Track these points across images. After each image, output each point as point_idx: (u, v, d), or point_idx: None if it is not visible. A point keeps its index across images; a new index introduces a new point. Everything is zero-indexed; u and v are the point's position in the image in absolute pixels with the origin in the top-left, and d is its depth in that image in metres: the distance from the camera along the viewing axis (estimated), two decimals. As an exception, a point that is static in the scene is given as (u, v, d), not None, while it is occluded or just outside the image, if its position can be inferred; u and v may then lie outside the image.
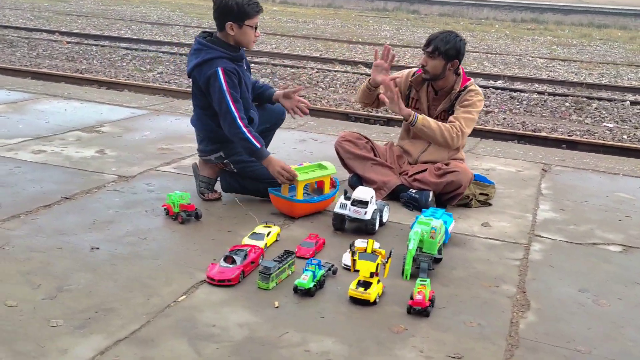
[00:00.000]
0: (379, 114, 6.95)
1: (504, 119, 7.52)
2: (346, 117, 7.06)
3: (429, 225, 2.56)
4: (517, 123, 7.30)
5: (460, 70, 3.43)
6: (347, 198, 2.96)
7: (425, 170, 3.35)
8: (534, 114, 7.98)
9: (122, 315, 2.14)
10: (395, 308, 2.31)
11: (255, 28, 3.17)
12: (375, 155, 3.54)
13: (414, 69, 3.56)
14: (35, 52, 11.69)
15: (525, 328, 2.22)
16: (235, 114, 3.07)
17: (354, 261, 2.37)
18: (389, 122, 6.75)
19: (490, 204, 3.45)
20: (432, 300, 2.29)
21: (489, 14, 23.43)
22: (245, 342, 2.04)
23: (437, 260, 2.65)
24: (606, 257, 2.87)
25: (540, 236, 3.07)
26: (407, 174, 3.44)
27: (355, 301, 2.32)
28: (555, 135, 6.69)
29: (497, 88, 9.23)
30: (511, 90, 9.16)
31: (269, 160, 3.15)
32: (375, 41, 14.77)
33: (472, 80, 3.48)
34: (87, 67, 10.57)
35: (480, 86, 9.18)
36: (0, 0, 20.55)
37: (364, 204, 2.91)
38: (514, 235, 3.06)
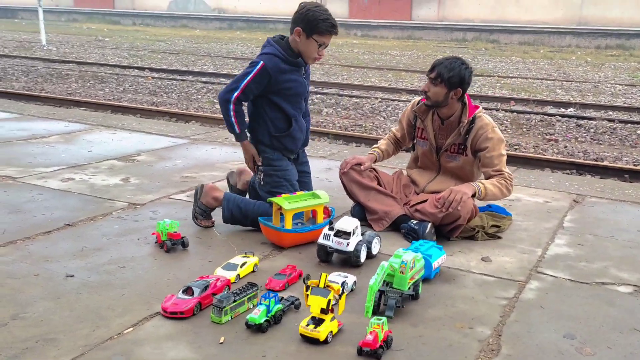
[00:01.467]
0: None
1: (565, 147, 6.98)
2: (398, 145, 6.86)
3: (400, 258, 2.34)
4: (579, 152, 6.74)
5: (466, 100, 3.22)
6: (331, 229, 2.80)
7: (427, 200, 3.13)
8: (601, 142, 7.35)
9: (60, 346, 2.10)
10: (347, 348, 2.11)
11: (321, 46, 3.22)
12: (379, 184, 3.36)
13: (419, 98, 3.41)
14: (122, 87, 12.44)
15: (484, 378, 1.95)
16: (235, 95, 3.18)
17: (306, 296, 2.20)
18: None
19: (499, 237, 3.14)
20: (387, 342, 2.07)
21: (572, 42, 22.30)
22: (170, 380, 1.93)
23: (414, 297, 2.41)
24: (611, 299, 2.50)
25: (542, 273, 2.74)
26: (410, 204, 3.23)
27: (306, 339, 2.15)
28: (618, 164, 6.09)
29: (563, 116, 8.67)
30: (579, 117, 8.56)
31: (244, 145, 3.32)
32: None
33: (480, 108, 3.25)
34: (163, 100, 11.08)
35: (547, 114, 8.71)
36: (103, 42, 22.17)
37: (346, 234, 2.73)
38: (512, 272, 2.74)
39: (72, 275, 2.66)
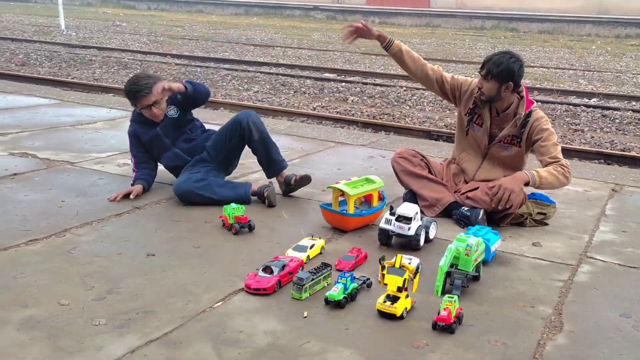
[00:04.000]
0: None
1: (592, 137, 7.11)
2: (428, 134, 7.00)
3: (465, 242, 2.52)
4: (605, 142, 6.86)
5: (523, 93, 3.35)
6: (392, 214, 2.98)
7: (478, 188, 3.29)
8: (626, 132, 7.48)
9: (159, 318, 2.29)
10: (421, 323, 2.30)
11: (146, 108, 3.70)
12: (430, 172, 3.52)
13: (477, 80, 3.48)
14: (146, 74, 12.61)
15: (552, 350, 2.13)
16: (134, 162, 3.88)
17: (382, 275, 2.39)
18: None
19: (546, 224, 3.31)
20: (459, 318, 2.25)
21: (591, 31, 22.23)
22: (267, 349, 2.12)
23: (476, 278, 2.59)
24: (660, 283, 2.67)
25: (592, 258, 2.91)
26: (461, 191, 3.40)
27: (383, 315, 2.33)
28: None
29: (588, 106, 8.77)
30: (604, 108, 8.66)
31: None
32: (469, 59, 14.48)
33: (535, 104, 3.38)
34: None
35: (572, 104, 8.82)
36: (121, 27, 22.30)
37: (407, 219, 2.91)
38: (563, 256, 2.92)
39: (153, 255, 2.85)
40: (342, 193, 3.19)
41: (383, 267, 2.39)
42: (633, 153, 6.27)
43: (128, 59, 14.54)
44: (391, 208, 3.02)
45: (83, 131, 5.35)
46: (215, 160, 3.77)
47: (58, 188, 3.74)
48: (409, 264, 2.60)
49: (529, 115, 3.35)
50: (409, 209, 2.93)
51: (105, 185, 3.86)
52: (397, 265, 2.36)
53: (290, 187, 3.74)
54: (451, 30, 23.68)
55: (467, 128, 3.57)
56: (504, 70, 3.26)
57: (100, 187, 3.82)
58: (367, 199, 3.37)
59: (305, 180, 3.72)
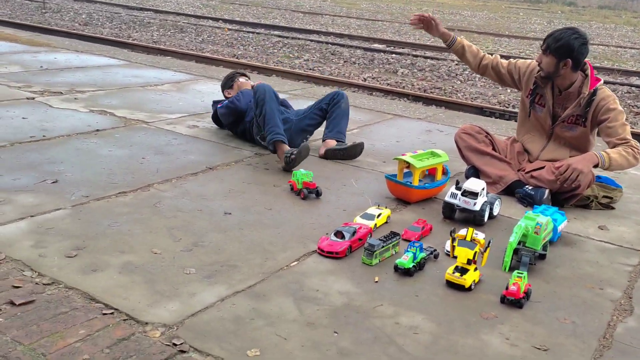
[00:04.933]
0: (515, 110, 6.83)
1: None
2: (480, 111, 7.02)
3: (535, 220, 2.62)
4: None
5: (589, 71, 3.35)
6: (458, 188, 3.09)
7: (544, 167, 3.36)
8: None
9: (242, 272, 2.48)
10: (489, 296, 2.42)
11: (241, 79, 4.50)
12: (494, 149, 3.60)
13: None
14: (201, 38, 12.82)
15: (623, 332, 2.22)
16: None
17: (453, 247, 2.51)
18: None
19: (612, 208, 3.36)
20: (527, 293, 2.36)
21: (659, 7, 21.37)
22: (343, 308, 2.28)
23: (542, 257, 2.69)
24: None
25: (661, 244, 2.97)
26: (525, 170, 3.47)
27: (451, 285, 2.46)
28: None
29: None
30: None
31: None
32: (523, 34, 14.21)
33: (602, 81, 3.38)
34: (242, 52, 11.41)
35: (634, 86, 8.61)
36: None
37: (474, 195, 3.02)
38: (632, 241, 2.98)
39: (230, 213, 3.04)
40: (408, 165, 3.30)
41: (454, 239, 2.51)
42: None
43: (183, 22, 14.78)
44: (457, 182, 3.13)
45: (152, 92, 5.57)
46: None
47: (138, 145, 3.96)
48: (481, 237, 2.73)
49: (594, 94, 3.33)
50: (476, 184, 3.04)
51: (179, 145, 4.07)
52: (468, 238, 2.49)
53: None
54: (504, 2, 23.17)
55: (529, 109, 3.59)
56: (563, 46, 3.26)
57: (175, 147, 4.02)
58: (430, 172, 3.48)
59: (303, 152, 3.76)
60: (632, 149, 3.22)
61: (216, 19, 15.47)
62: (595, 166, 3.20)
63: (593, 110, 3.35)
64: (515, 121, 6.34)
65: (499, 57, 3.74)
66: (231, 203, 3.18)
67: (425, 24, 3.66)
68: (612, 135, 3.28)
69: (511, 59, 3.74)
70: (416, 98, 7.81)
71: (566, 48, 3.26)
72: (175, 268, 2.45)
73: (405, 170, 3.39)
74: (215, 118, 4.48)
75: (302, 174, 3.35)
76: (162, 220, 2.88)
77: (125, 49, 9.27)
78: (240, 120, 4.23)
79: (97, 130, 4.20)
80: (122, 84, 5.76)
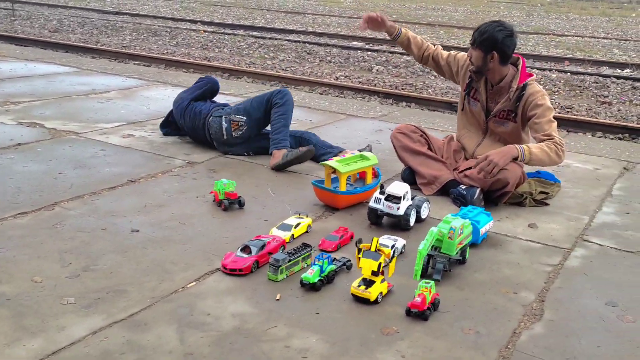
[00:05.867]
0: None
1: (619, 110, 6.77)
2: (449, 106, 6.79)
3: (449, 224, 2.40)
4: (633, 115, 6.52)
5: (520, 66, 3.18)
6: (381, 193, 2.86)
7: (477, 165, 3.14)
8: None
9: (129, 298, 2.26)
10: (396, 309, 2.21)
11: None
12: (429, 148, 3.39)
13: None
14: (175, 41, 12.59)
15: (526, 340, 2.03)
16: None
17: (358, 259, 2.29)
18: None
19: (547, 204, 3.14)
20: (434, 304, 2.15)
21: (633, -3, 21.24)
22: (231, 333, 2.06)
23: (461, 262, 2.47)
24: (656, 270, 2.50)
25: (588, 241, 2.76)
26: (459, 169, 3.26)
27: (357, 299, 2.25)
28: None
29: (619, 77, 8.36)
30: (635, 79, 8.24)
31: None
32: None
33: (534, 76, 3.20)
34: (216, 54, 11.19)
35: (602, 76, 8.40)
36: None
37: (397, 199, 2.80)
38: (558, 239, 2.77)
39: (137, 230, 2.82)
40: (334, 170, 3.09)
41: (359, 251, 2.29)
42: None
43: (159, 25, 14.55)
44: (381, 187, 2.91)
45: (95, 100, 5.35)
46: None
47: (58, 159, 3.74)
48: (392, 246, 2.51)
49: (523, 88, 3.20)
50: (398, 188, 2.81)
51: (106, 157, 3.85)
52: (372, 249, 2.27)
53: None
54: (487, -4, 22.98)
55: (465, 103, 3.48)
56: (487, 39, 3.17)
57: (100, 159, 3.80)
58: (361, 176, 3.26)
59: None
60: (555, 146, 3.10)
61: (194, 21, 15.24)
62: (515, 159, 3.04)
63: (522, 106, 3.22)
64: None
65: (440, 47, 3.65)
66: (142, 219, 2.95)
67: (372, 23, 3.60)
68: (539, 131, 3.17)
69: (452, 51, 3.59)
70: (386, 95, 7.58)
71: (491, 41, 3.16)
72: (52, 298, 2.23)
73: (333, 175, 3.17)
74: (167, 122, 4.34)
75: (223, 183, 3.13)
76: (56, 243, 2.66)
77: (86, 55, 9.06)
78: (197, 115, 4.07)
79: (19, 144, 3.97)
80: (64, 93, 5.53)
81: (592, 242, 2.78)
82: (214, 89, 4.29)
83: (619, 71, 8.99)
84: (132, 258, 2.56)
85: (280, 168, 3.68)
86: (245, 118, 3.90)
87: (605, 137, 5.40)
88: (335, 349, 1.97)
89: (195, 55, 11.04)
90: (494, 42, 3.14)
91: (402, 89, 8.05)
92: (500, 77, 3.24)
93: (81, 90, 5.71)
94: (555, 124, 3.18)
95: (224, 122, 3.92)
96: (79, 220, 2.91)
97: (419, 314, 2.12)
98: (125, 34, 13.39)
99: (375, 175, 3.26)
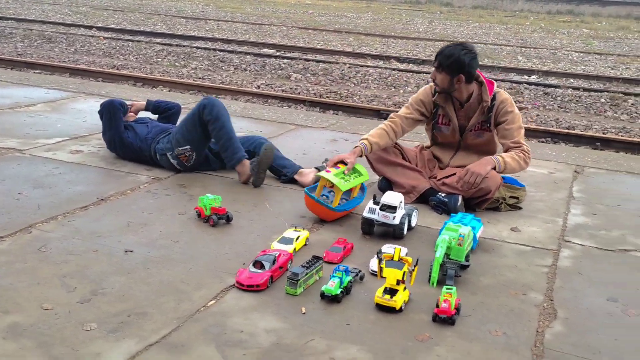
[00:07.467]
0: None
1: (537, 115, 7.40)
2: (378, 114, 7.04)
3: (457, 232, 2.56)
4: (551, 120, 7.17)
5: (481, 79, 3.41)
6: (376, 203, 2.97)
7: (454, 174, 3.34)
8: (568, 110, 7.84)
9: (154, 319, 2.20)
10: (421, 316, 2.32)
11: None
12: (404, 158, 3.55)
13: (430, 85, 3.55)
14: (74, 48, 11.94)
15: (552, 338, 2.21)
16: None
17: (380, 268, 2.38)
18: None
19: (520, 208, 3.42)
20: (458, 309, 2.29)
21: (524, 6, 23.18)
22: (272, 348, 2.08)
23: (465, 267, 2.64)
24: (637, 265, 2.83)
25: (570, 242, 3.04)
26: (436, 177, 3.45)
27: (382, 308, 2.34)
28: (589, 132, 6.56)
29: (530, 83, 9.09)
30: (545, 85, 9.01)
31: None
32: (408, 35, 14.65)
33: (496, 84, 3.46)
34: (123, 63, 10.76)
35: (514, 82, 9.14)
36: (40, -4, 20.98)
37: (392, 208, 2.92)
38: (543, 241, 3.03)
39: (132, 251, 2.72)
40: (332, 184, 3.13)
41: (381, 260, 2.38)
42: (577, 131, 6.56)
43: (51, 31, 13.71)
44: (374, 197, 3.02)
45: (24, 114, 5.02)
46: None
47: (12, 179, 3.49)
48: (407, 255, 2.62)
49: (494, 98, 3.41)
50: (393, 197, 2.94)
51: (62, 175, 3.64)
52: (395, 258, 2.37)
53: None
54: (387, 4, 23.85)
55: (433, 132, 3.64)
56: (454, 63, 3.30)
57: (57, 177, 3.60)
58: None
59: None
60: (523, 154, 3.34)
61: (89, 27, 14.51)
62: (493, 169, 3.25)
63: (495, 114, 3.43)
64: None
65: (398, 116, 3.55)
66: (131, 238, 2.85)
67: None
68: (508, 137, 3.37)
69: (404, 107, 3.59)
70: (313, 104, 7.69)
71: (458, 64, 3.30)
72: (72, 325, 2.12)
73: (325, 186, 3.22)
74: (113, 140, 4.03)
75: (209, 199, 3.09)
76: (50, 268, 2.51)
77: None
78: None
79: (-38, 164, 3.67)
80: (-12, 107, 5.13)
81: (573, 242, 3.05)
82: (116, 112, 3.92)
83: (527, 77, 9.75)
84: (138, 279, 2.48)
85: (258, 182, 3.61)
86: (189, 146, 3.70)
87: (529, 141, 5.87)
88: (380, 358, 2.05)
89: (101, 64, 10.56)
90: (461, 65, 3.29)
91: (327, 97, 8.21)
92: (468, 94, 3.42)
93: (3, 103, 5.31)
94: (523, 130, 3.41)
95: (172, 160, 3.75)
96: (64, 242, 2.76)
97: (447, 319, 2.24)
98: (15, 40, 12.51)
99: (361, 188, 3.35)
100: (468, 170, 3.21)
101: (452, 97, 3.46)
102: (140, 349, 2.02)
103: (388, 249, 2.70)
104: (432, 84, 3.50)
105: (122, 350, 2.01)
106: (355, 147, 3.40)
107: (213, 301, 2.36)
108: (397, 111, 3.64)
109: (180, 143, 3.71)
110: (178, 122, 3.85)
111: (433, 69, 3.42)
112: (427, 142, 3.77)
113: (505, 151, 3.39)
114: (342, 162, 3.24)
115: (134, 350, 2.01)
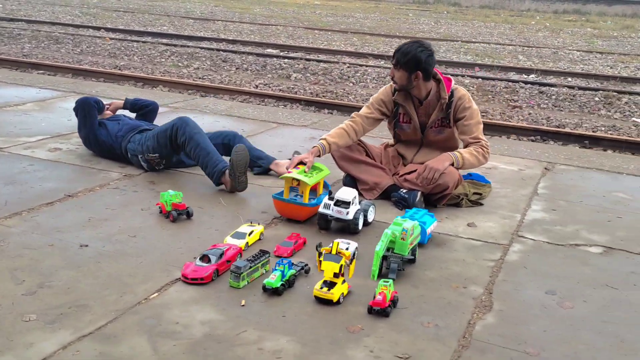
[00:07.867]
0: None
1: (529, 114, 7.36)
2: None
3: (401, 226, 2.58)
4: (542, 118, 7.12)
5: (440, 77, 3.43)
6: (330, 198, 3.00)
7: (415, 170, 3.36)
8: (562, 108, 7.78)
9: (93, 312, 2.25)
10: (358, 308, 2.35)
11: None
12: (368, 156, 3.57)
13: (389, 85, 3.57)
14: (79, 49, 12.11)
15: (481, 330, 2.23)
16: None
17: (319, 262, 2.42)
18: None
19: (481, 204, 3.43)
20: (394, 301, 2.32)
21: (531, 6, 22.99)
22: (203, 339, 2.12)
23: (412, 261, 2.66)
24: (584, 259, 2.84)
25: (523, 237, 3.05)
26: (399, 174, 3.47)
27: (320, 301, 2.37)
28: (578, 131, 6.50)
29: (526, 82, 9.05)
30: (541, 84, 8.96)
31: None
32: (412, 35, 14.62)
33: (453, 81, 3.47)
34: (126, 63, 10.89)
35: (511, 81, 9.08)
36: (53, -2, 21.29)
37: (346, 204, 2.95)
38: (496, 236, 3.04)
39: (87, 245, 2.78)
40: (298, 182, 3.15)
41: (320, 254, 2.42)
42: (567, 129, 6.52)
43: (59, 32, 13.93)
44: (329, 193, 3.05)
45: (11, 113, 5.12)
46: None
47: (-15, 176, 3.58)
48: (346, 249, 2.65)
49: (451, 95, 3.44)
50: (347, 193, 2.97)
51: (36, 172, 3.72)
52: (333, 252, 2.40)
53: None
54: (395, 4, 23.83)
55: (395, 130, 3.67)
56: (411, 60, 3.33)
57: (30, 174, 3.68)
58: (313, 187, 3.36)
59: None
60: (482, 149, 3.36)
61: (97, 28, 14.71)
62: (451, 165, 3.28)
63: (453, 110, 3.45)
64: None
65: (359, 116, 3.57)
66: (90, 233, 2.91)
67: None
68: (467, 133, 3.40)
69: (367, 103, 3.63)
70: (308, 103, 7.73)
71: (414, 61, 3.33)
72: (12, 316, 2.18)
73: (291, 186, 3.24)
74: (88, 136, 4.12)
75: (170, 195, 3.14)
76: (4, 262, 2.58)
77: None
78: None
79: (-62, 161, 3.77)
80: (-23, 106, 5.25)
81: (526, 237, 3.06)
82: (90, 110, 4.00)
83: (525, 76, 9.70)
84: (87, 273, 2.54)
85: (240, 187, 3.49)
86: (158, 154, 3.75)
87: (520, 140, 5.86)
88: (307, 349, 2.08)
89: (104, 64, 10.70)
90: (418, 62, 3.32)
91: (323, 96, 8.24)
92: (427, 92, 3.45)
93: (-6, 102, 5.43)
94: (481, 126, 3.44)
95: (142, 162, 3.81)
96: (23, 237, 2.83)
97: (381, 311, 2.27)
98: (24, 41, 12.72)
99: (325, 185, 3.37)
100: (426, 166, 3.24)
101: (412, 95, 3.49)
102: (73, 339, 2.07)
103: (343, 244, 2.73)
104: (391, 83, 3.52)
105: (55, 340, 2.06)
106: (314, 147, 3.43)
107: (156, 294, 2.41)
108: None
109: (150, 151, 3.77)
110: (153, 131, 3.83)
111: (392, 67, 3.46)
112: (392, 140, 3.79)
113: (465, 147, 3.42)
114: (302, 162, 3.27)
115: (67, 341, 2.06)
